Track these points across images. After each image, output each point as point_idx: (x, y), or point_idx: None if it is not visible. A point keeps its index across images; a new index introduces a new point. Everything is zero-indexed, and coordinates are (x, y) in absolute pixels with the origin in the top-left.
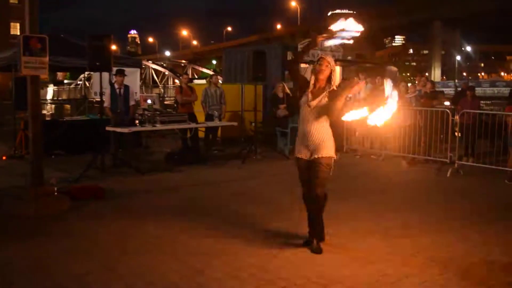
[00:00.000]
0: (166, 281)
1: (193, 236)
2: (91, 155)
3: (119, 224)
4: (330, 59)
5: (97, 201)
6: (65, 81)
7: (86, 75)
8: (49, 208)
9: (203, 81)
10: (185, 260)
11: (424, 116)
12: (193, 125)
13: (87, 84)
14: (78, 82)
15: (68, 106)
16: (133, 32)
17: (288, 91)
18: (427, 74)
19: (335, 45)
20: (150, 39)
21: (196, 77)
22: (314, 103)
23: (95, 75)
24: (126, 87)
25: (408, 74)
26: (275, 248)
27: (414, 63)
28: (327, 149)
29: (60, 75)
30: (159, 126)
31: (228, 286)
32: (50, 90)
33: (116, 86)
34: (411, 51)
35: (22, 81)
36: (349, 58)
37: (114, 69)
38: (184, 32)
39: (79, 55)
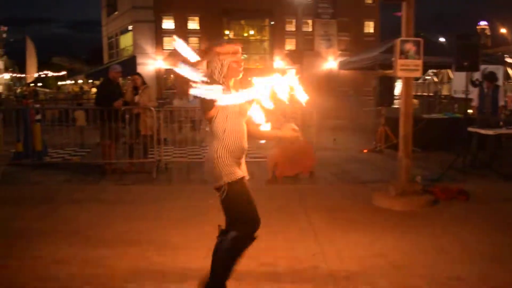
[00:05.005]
0: None
1: None
2: (449, 154)
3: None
4: None
5: (460, 203)
6: None
7: (434, 71)
8: (414, 204)
9: None
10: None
11: None
12: None
13: (435, 80)
14: (426, 77)
15: (415, 101)
16: (483, 23)
17: None
18: None
19: None
20: (502, 30)
21: None
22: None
23: (456, 74)
24: (496, 87)
25: None
26: None
27: None
28: None
29: None
30: None
31: None
32: (399, 86)
33: (484, 85)
34: None
35: (386, 80)
36: None
37: (482, 67)
38: None
39: (438, 53)
